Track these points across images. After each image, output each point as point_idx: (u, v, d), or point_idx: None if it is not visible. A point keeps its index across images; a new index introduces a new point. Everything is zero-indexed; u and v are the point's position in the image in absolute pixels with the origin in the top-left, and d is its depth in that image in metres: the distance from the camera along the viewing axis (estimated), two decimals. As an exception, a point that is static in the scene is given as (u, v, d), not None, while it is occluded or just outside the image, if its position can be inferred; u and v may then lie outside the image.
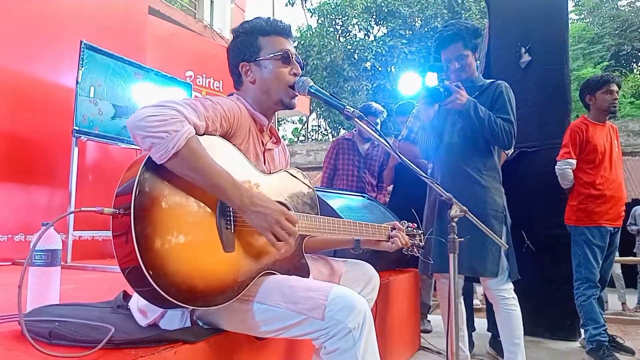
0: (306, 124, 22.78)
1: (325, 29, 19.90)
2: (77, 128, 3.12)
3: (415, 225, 1.89)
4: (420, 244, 1.87)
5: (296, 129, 23.20)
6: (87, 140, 3.32)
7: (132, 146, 3.55)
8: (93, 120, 3.25)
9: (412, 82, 4.33)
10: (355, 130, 4.28)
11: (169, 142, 1.11)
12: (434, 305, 5.62)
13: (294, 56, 1.51)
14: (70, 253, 3.05)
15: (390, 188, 4.25)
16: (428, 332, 3.49)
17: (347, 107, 1.43)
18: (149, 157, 1.14)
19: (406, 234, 1.78)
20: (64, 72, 3.52)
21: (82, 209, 1.12)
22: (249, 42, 1.50)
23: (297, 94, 1.49)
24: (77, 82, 3.15)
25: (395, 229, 1.75)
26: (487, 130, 2.40)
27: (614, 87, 3.25)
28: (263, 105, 1.51)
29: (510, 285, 2.48)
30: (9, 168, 3.24)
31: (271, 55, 1.48)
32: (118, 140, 3.46)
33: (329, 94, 1.46)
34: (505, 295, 2.45)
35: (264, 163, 1.52)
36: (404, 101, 4.05)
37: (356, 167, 4.06)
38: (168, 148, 1.11)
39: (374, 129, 1.49)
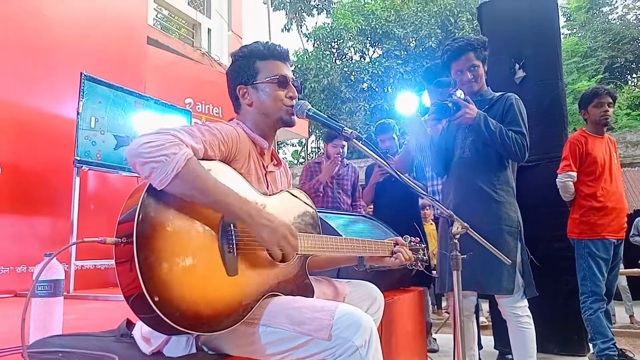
0: (305, 146, 22.89)
1: (321, 52, 20.15)
2: (78, 158, 3.14)
3: (418, 239, 1.89)
4: (424, 257, 1.86)
5: (296, 151, 23.31)
6: (89, 169, 3.35)
7: (133, 174, 3.57)
8: (94, 150, 3.27)
9: (408, 101, 4.38)
10: (323, 155, 4.28)
11: (168, 165, 1.12)
12: (439, 323, 5.58)
13: (291, 80, 1.54)
14: (73, 283, 3.04)
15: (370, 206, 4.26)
16: (435, 351, 3.44)
17: (345, 128, 1.44)
18: (149, 185, 1.15)
19: (409, 249, 1.78)
20: (64, 104, 3.56)
21: (85, 239, 1.13)
22: (246, 65, 1.53)
23: (294, 112, 1.51)
24: (78, 113, 3.18)
25: (398, 244, 1.75)
26: (498, 143, 2.36)
27: (604, 100, 3.28)
28: (262, 127, 1.53)
29: (525, 303, 2.42)
30: (11, 199, 3.25)
31: (268, 79, 1.50)
32: (119, 169, 3.48)
33: (326, 117, 1.48)
34: (519, 313, 2.39)
35: (266, 186, 1.53)
36: (383, 120, 4.09)
37: (329, 188, 4.05)
38: (168, 171, 1.12)
39: (372, 149, 1.50)
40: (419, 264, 1.84)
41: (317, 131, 20.02)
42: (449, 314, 2.80)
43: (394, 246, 1.75)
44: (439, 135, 2.61)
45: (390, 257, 1.73)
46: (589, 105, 3.35)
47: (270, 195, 1.47)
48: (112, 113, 3.42)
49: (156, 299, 1.05)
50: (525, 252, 2.49)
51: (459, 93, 2.56)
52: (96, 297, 2.91)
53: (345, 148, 4.14)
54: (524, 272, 2.42)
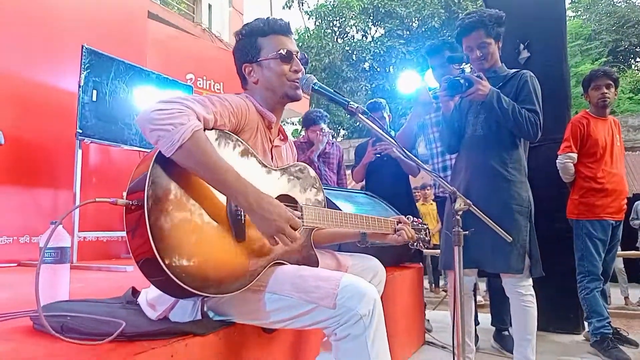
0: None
1: (322, 30, 19.94)
2: (80, 131, 3.14)
3: (420, 220, 1.91)
4: (427, 238, 1.88)
5: (296, 130, 23.24)
6: (91, 142, 3.35)
7: (135, 148, 3.58)
8: (96, 123, 3.27)
9: (410, 81, 4.36)
10: (304, 137, 4.28)
11: (174, 134, 1.13)
12: (436, 302, 5.65)
13: (295, 53, 1.53)
14: (76, 254, 3.07)
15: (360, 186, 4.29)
16: (429, 331, 3.48)
17: (351, 103, 1.45)
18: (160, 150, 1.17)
19: (412, 228, 1.79)
20: (66, 77, 3.55)
21: (97, 199, 1.15)
22: (249, 43, 1.53)
23: (299, 85, 1.51)
24: (79, 86, 3.18)
25: (401, 222, 1.76)
26: (511, 122, 2.32)
27: (600, 82, 3.27)
28: (270, 102, 1.54)
29: (530, 282, 2.42)
30: (14, 171, 3.26)
31: (271, 55, 1.50)
32: (121, 143, 3.48)
33: (332, 91, 1.48)
34: (522, 291, 2.39)
35: (272, 159, 1.54)
36: (374, 99, 4.05)
37: (314, 166, 4.06)
38: (174, 141, 1.13)
39: (377, 124, 1.51)
40: (421, 244, 1.86)
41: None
42: (446, 292, 2.83)
43: (397, 224, 1.76)
44: (450, 112, 2.58)
45: (393, 234, 1.75)
46: (589, 88, 3.36)
47: (276, 168, 1.48)
48: (113, 87, 3.41)
49: (166, 260, 1.07)
50: (534, 232, 2.48)
51: (467, 69, 2.51)
52: (99, 268, 2.95)
53: (325, 130, 4.16)
54: (532, 252, 2.41)
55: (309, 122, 4.11)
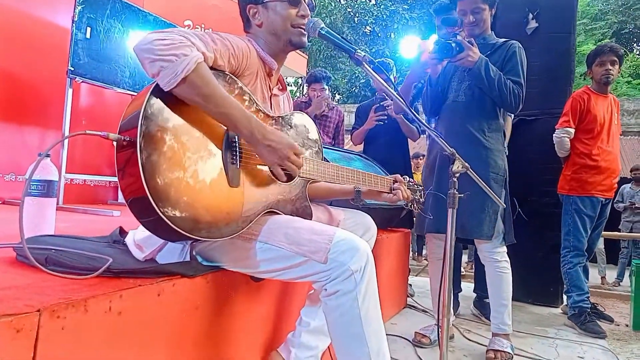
0: (302, 87, 22.51)
1: (325, -12, 19.42)
2: (72, 69, 3.04)
3: (415, 181, 1.89)
4: (421, 199, 1.86)
5: (291, 91, 22.96)
6: (82, 82, 3.25)
7: (128, 91, 3.48)
8: (89, 61, 3.16)
9: (413, 46, 4.25)
10: (306, 95, 4.22)
11: (177, 65, 1.08)
12: (418, 269, 5.72)
13: None
14: (62, 195, 3.02)
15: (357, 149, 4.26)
16: (411, 295, 3.53)
17: (358, 51, 1.39)
18: (156, 85, 1.12)
19: (408, 188, 1.77)
20: (59, 11, 3.41)
21: (87, 131, 1.09)
22: None
23: (304, 31, 1.45)
24: (73, 22, 3.05)
25: (397, 182, 1.74)
26: (495, 92, 2.32)
27: (606, 58, 3.22)
28: (273, 48, 1.47)
29: (504, 249, 2.47)
30: (1, 107, 3.17)
31: None
32: (114, 85, 3.38)
33: (339, 37, 1.42)
34: (498, 258, 2.44)
35: (270, 108, 1.49)
36: (381, 59, 3.97)
37: None
38: (177, 72, 1.08)
39: (384, 76, 1.46)
40: (415, 205, 1.84)
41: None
42: (427, 257, 2.84)
43: (393, 183, 1.74)
44: (437, 76, 2.54)
45: (389, 193, 1.73)
46: (593, 64, 3.31)
47: (275, 116, 1.43)
48: (108, 25, 3.29)
49: (158, 200, 1.03)
50: (508, 200, 2.51)
51: (462, 34, 2.47)
52: (85, 211, 2.90)
53: (326, 92, 4.10)
54: (505, 219, 2.46)
55: (311, 78, 4.04)
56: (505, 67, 2.41)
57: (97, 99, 3.76)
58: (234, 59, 1.30)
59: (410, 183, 1.83)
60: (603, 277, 7.06)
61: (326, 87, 4.08)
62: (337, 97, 21.07)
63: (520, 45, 2.47)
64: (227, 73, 1.29)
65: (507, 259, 2.48)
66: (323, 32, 1.42)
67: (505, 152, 2.73)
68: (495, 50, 2.48)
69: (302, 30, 1.46)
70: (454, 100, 2.51)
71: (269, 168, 1.28)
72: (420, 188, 1.91)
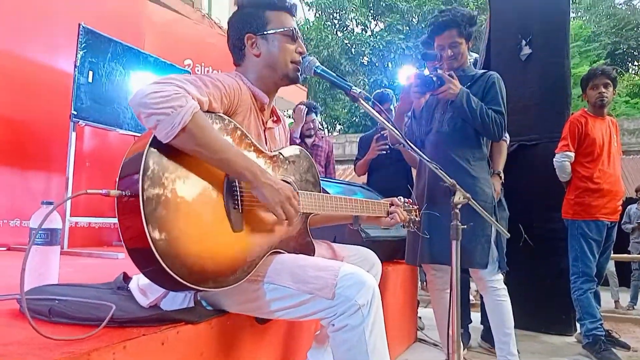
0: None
1: (322, 23, 19.83)
2: (75, 112, 3.08)
3: (411, 200, 1.90)
4: (416, 218, 1.88)
5: (292, 123, 23.16)
6: (85, 125, 3.29)
7: (131, 132, 3.52)
8: (91, 105, 3.21)
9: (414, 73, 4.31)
10: (296, 127, 4.28)
11: (175, 117, 1.09)
12: (427, 300, 5.64)
13: (299, 34, 1.49)
14: (67, 239, 3.02)
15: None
16: (421, 329, 3.47)
17: (354, 88, 1.41)
18: (154, 136, 1.12)
19: (403, 210, 1.79)
20: (62, 56, 3.48)
21: (88, 191, 1.09)
22: (256, 14, 1.46)
23: (300, 68, 1.47)
24: (75, 66, 3.11)
25: (393, 204, 1.76)
26: (478, 121, 2.37)
27: (598, 81, 3.25)
28: (266, 81, 1.48)
29: (501, 276, 2.46)
30: (6, 153, 3.20)
31: (280, 31, 1.45)
32: (116, 126, 3.42)
33: (335, 75, 1.44)
34: (496, 286, 2.43)
35: (265, 142, 1.49)
36: (381, 89, 4.02)
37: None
38: (175, 124, 1.08)
39: (379, 111, 1.47)
40: (411, 225, 1.86)
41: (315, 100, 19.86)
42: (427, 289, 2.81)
43: (390, 206, 1.76)
44: (420, 109, 2.60)
45: (386, 217, 1.74)
46: (587, 88, 3.35)
47: (270, 152, 1.44)
48: (110, 68, 3.35)
49: (163, 254, 1.03)
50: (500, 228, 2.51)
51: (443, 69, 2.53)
52: (90, 254, 2.90)
53: (317, 122, 4.17)
54: (498, 246, 2.45)
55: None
56: (485, 97, 2.47)
57: (100, 141, 3.81)
58: (226, 98, 1.31)
59: (406, 204, 1.85)
60: (617, 301, 6.93)
61: (315, 117, 4.16)
62: (338, 127, 21.25)
63: (499, 76, 2.54)
64: (221, 114, 1.29)
65: (505, 286, 2.47)
66: (318, 71, 1.44)
67: (501, 179, 2.75)
68: (475, 81, 2.54)
69: (298, 67, 1.48)
70: (437, 130, 2.54)
71: (270, 209, 1.27)
72: (416, 207, 1.92)
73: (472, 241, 2.32)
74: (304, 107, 4.05)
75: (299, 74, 1.49)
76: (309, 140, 4.19)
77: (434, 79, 2.34)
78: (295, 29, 1.47)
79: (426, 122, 2.60)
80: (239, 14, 1.51)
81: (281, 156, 1.47)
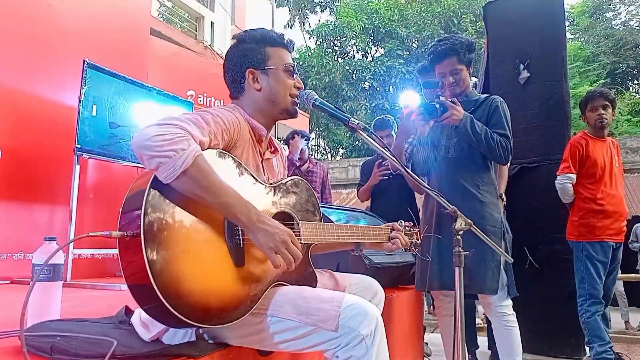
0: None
1: (323, 50, 20.13)
2: (79, 146, 3.12)
3: (411, 223, 1.90)
4: (418, 241, 1.87)
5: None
6: (89, 158, 3.33)
7: (134, 164, 3.55)
8: (95, 138, 3.26)
9: (411, 100, 4.36)
10: (290, 154, 4.34)
11: (176, 160, 1.10)
12: (434, 324, 5.56)
13: (297, 70, 1.54)
14: (70, 272, 3.02)
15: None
16: (427, 355, 3.42)
17: (352, 119, 1.43)
18: (155, 175, 1.13)
19: (405, 234, 1.79)
20: (66, 91, 3.54)
21: (90, 233, 1.10)
22: (257, 49, 1.50)
23: (297, 102, 1.51)
24: (79, 101, 3.16)
25: (394, 229, 1.77)
26: (483, 146, 2.38)
27: (597, 103, 3.29)
28: (265, 115, 1.51)
29: (510, 302, 2.44)
30: (10, 186, 3.23)
31: (281, 66, 1.49)
32: (120, 159, 3.46)
33: (333, 107, 1.47)
34: (505, 312, 2.41)
35: (263, 173, 1.51)
36: (382, 116, 4.06)
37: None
38: (176, 167, 1.10)
39: (378, 141, 1.49)
40: (413, 248, 1.86)
41: (317, 128, 20.02)
42: (435, 314, 2.79)
43: (391, 232, 1.76)
44: (425, 136, 2.61)
45: (388, 242, 1.74)
46: (586, 110, 3.38)
47: (270, 184, 1.46)
48: (114, 102, 3.40)
49: (165, 295, 1.03)
50: (508, 252, 2.50)
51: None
52: (94, 286, 2.89)
53: (306, 151, 4.28)
54: (507, 271, 2.44)
55: (289, 135, 4.29)
56: (490, 121, 2.48)
57: (104, 173, 3.83)
58: (227, 133, 1.34)
59: (407, 227, 1.85)
60: (627, 322, 6.82)
61: (304, 144, 4.29)
62: (341, 151, 21.35)
63: (502, 100, 2.56)
64: (223, 150, 1.32)
65: (514, 312, 2.44)
66: (317, 104, 1.47)
67: (503, 202, 2.75)
68: (478, 106, 2.56)
69: (296, 101, 1.52)
70: (444, 156, 2.56)
71: (265, 254, 1.23)
72: (417, 230, 1.92)
73: (482, 267, 2.31)
74: (298, 136, 4.15)
75: (297, 108, 1.52)
76: (303, 167, 4.25)
77: (437, 106, 2.36)
78: (293, 65, 1.51)
79: (432, 148, 2.62)
80: (239, 48, 1.54)
81: (281, 187, 1.49)
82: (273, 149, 1.62)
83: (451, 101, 2.38)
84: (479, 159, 2.49)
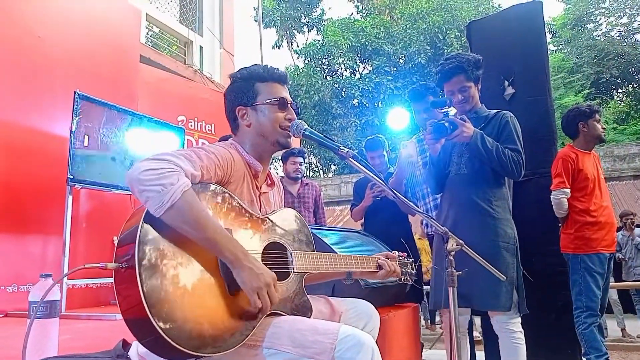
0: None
1: (312, 68, 20.33)
2: (71, 176, 3.13)
3: (406, 254, 1.92)
4: (412, 271, 1.89)
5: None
6: (81, 188, 3.33)
7: (126, 192, 3.56)
8: (87, 168, 3.27)
9: (399, 117, 4.42)
10: (280, 177, 4.37)
11: (164, 195, 1.14)
12: (432, 339, 5.56)
13: (290, 103, 1.57)
14: (65, 302, 3.00)
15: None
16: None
17: (341, 147, 1.47)
18: (147, 211, 1.17)
19: (399, 264, 1.81)
20: (57, 122, 3.56)
21: (86, 265, 1.13)
22: (246, 87, 1.55)
23: (290, 133, 1.53)
24: (71, 132, 3.18)
25: (388, 257, 1.80)
26: (495, 161, 2.38)
27: (599, 116, 3.36)
28: (259, 149, 1.55)
29: (519, 319, 2.43)
30: (2, 218, 3.21)
31: (268, 101, 1.53)
32: (112, 187, 3.47)
33: (322, 136, 1.50)
34: (514, 329, 2.40)
35: (259, 207, 1.54)
36: (373, 136, 4.08)
37: (292, 208, 4.12)
38: (163, 201, 1.14)
39: (368, 168, 1.52)
40: (408, 278, 1.87)
41: (308, 146, 20.08)
42: (442, 329, 2.79)
43: (379, 260, 1.78)
44: (437, 154, 2.62)
45: (377, 270, 1.77)
46: (591, 119, 3.39)
47: (264, 216, 1.48)
48: (105, 131, 3.42)
49: (161, 323, 1.05)
50: (520, 269, 2.50)
51: (452, 111, 2.58)
52: (89, 317, 2.88)
53: (303, 166, 4.27)
54: (519, 289, 2.43)
55: (287, 154, 4.28)
56: (500, 137, 2.48)
57: (96, 202, 3.83)
58: (220, 169, 1.37)
59: (401, 257, 1.87)
60: (623, 329, 6.84)
61: (302, 160, 4.32)
62: (333, 167, 21.42)
63: (512, 115, 2.57)
64: (214, 184, 1.35)
65: (522, 329, 2.43)
66: (307, 133, 1.50)
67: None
68: (488, 122, 2.56)
69: (289, 132, 1.55)
70: (456, 173, 2.56)
71: (246, 293, 1.24)
72: (411, 260, 1.93)
73: (496, 284, 2.27)
74: (293, 156, 4.16)
75: (289, 140, 1.55)
76: (294, 187, 4.24)
77: (447, 124, 2.38)
78: (283, 97, 1.54)
79: (444, 166, 2.63)
80: (231, 87, 1.60)
81: (273, 219, 1.51)
82: (270, 182, 1.66)
83: (460, 118, 2.39)
84: (490, 175, 2.49)
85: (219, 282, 1.23)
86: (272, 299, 1.25)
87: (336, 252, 2.25)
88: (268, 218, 1.50)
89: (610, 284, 4.17)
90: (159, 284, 1.09)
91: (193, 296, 1.15)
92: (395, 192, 1.59)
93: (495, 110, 2.62)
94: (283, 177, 4.30)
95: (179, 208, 1.15)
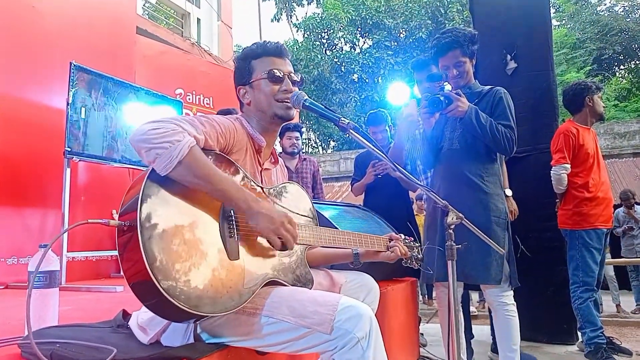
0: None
1: (311, 43, 20.08)
2: (68, 149, 3.11)
3: (412, 238, 1.90)
4: (419, 256, 1.87)
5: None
6: (79, 160, 3.31)
7: (124, 165, 3.54)
8: (85, 140, 3.24)
9: (400, 92, 4.37)
10: (278, 152, 4.34)
11: (172, 151, 1.15)
12: (429, 314, 5.62)
13: (287, 74, 1.53)
14: (65, 274, 3.02)
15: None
16: (423, 346, 3.45)
17: (342, 119, 1.44)
18: (152, 172, 1.18)
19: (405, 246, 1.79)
20: (54, 94, 3.52)
21: (89, 220, 1.14)
22: (243, 66, 1.56)
23: (290, 104, 1.51)
24: (67, 104, 3.15)
25: (393, 239, 1.76)
26: (488, 137, 2.38)
27: (601, 93, 3.33)
28: (262, 124, 1.54)
29: (511, 292, 2.46)
30: (1, 191, 3.21)
31: (261, 75, 1.52)
32: (110, 160, 3.45)
33: (323, 107, 1.47)
34: (506, 301, 2.43)
35: (261, 182, 1.53)
36: (375, 110, 4.03)
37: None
38: (172, 157, 1.15)
39: (369, 139, 1.50)
40: (414, 262, 1.86)
41: (307, 122, 19.99)
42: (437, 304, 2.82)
43: (390, 241, 1.76)
44: (431, 128, 2.61)
45: (386, 251, 1.74)
46: (596, 95, 3.37)
47: (267, 187, 1.47)
48: (102, 104, 3.39)
49: (161, 280, 1.07)
50: (511, 243, 2.52)
51: (448, 86, 2.56)
52: (89, 289, 2.90)
53: (299, 141, 4.23)
54: (510, 262, 2.46)
55: (283, 129, 4.22)
56: (494, 113, 2.48)
57: (94, 175, 3.82)
58: (222, 137, 1.37)
59: (407, 240, 1.84)
60: (618, 305, 6.92)
61: (299, 135, 4.27)
62: (332, 144, 21.37)
63: (505, 91, 2.56)
64: (217, 151, 1.34)
65: (514, 302, 2.46)
66: (307, 104, 1.47)
67: (505, 194, 2.76)
68: (482, 97, 2.56)
69: (287, 104, 1.52)
70: (449, 148, 2.56)
71: (266, 237, 1.29)
72: (418, 244, 1.92)
73: (487, 257, 2.33)
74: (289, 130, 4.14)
75: (289, 111, 1.53)
76: (292, 162, 4.22)
77: (442, 98, 2.37)
78: (272, 70, 1.51)
79: (437, 141, 2.63)
80: (234, 70, 1.60)
81: (276, 191, 1.51)
82: (274, 160, 1.65)
83: (455, 93, 2.39)
84: (482, 150, 2.50)
85: (220, 246, 1.24)
86: (291, 233, 1.29)
87: (337, 228, 2.24)
88: (271, 189, 1.49)
89: (608, 260, 4.21)
90: (161, 243, 1.10)
91: (194, 257, 1.16)
92: (397, 165, 1.57)
93: (488, 87, 2.61)
94: (281, 152, 4.28)
95: (188, 162, 1.17)
